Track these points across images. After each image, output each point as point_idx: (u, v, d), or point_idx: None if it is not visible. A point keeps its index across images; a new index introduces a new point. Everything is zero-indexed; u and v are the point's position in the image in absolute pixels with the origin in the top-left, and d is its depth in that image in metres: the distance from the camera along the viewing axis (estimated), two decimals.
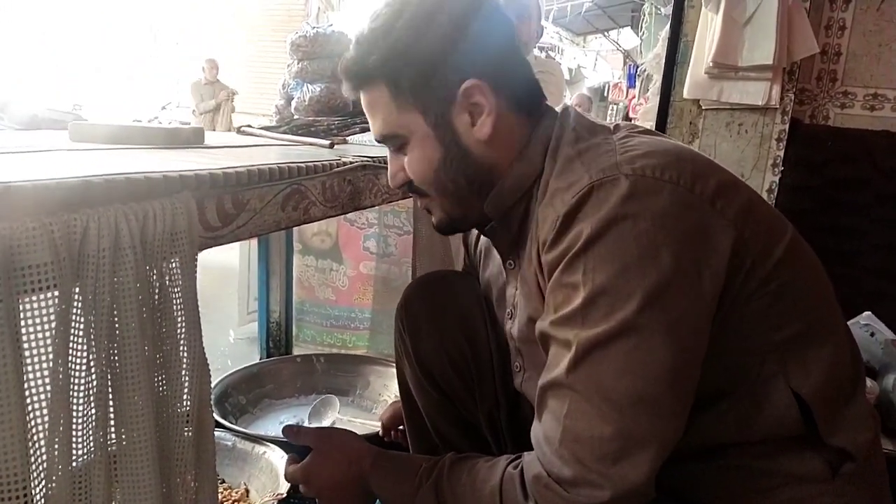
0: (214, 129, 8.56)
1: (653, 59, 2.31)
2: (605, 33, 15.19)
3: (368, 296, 2.49)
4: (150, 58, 11.35)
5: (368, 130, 1.82)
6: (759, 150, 1.86)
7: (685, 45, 1.91)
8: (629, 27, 14.57)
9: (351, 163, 1.08)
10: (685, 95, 1.89)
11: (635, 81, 14.64)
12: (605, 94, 24.49)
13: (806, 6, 1.79)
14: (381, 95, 0.87)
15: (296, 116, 1.99)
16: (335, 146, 1.47)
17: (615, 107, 19.35)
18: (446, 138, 0.87)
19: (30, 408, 0.49)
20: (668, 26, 1.99)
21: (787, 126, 1.84)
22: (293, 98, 1.99)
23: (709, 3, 1.79)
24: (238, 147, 1.31)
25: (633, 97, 14.72)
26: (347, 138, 1.75)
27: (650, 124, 2.31)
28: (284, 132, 1.85)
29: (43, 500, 0.50)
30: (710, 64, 1.80)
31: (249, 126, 1.90)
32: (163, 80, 11.14)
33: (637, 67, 13.28)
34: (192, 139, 1.10)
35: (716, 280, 0.74)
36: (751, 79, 1.81)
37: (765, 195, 1.88)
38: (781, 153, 1.86)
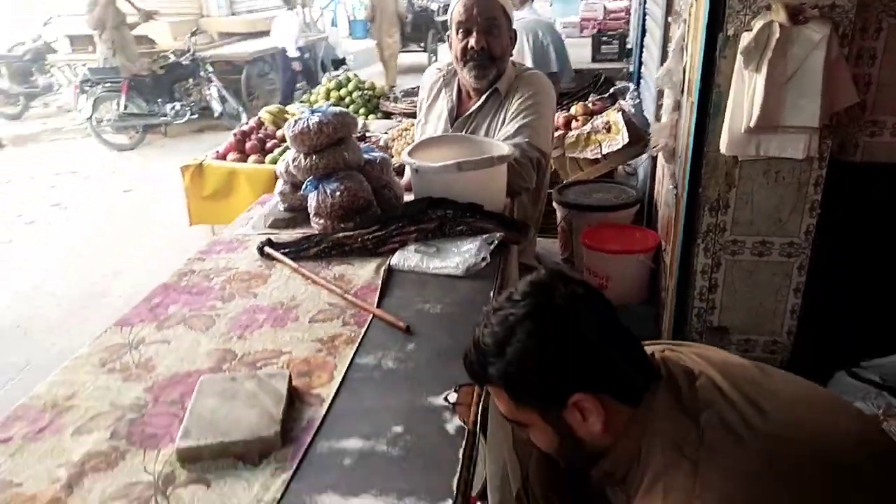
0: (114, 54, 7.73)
1: (665, 74, 2.19)
2: None
3: None
4: None
5: (407, 242, 1.74)
6: (796, 195, 1.86)
7: (718, 96, 1.82)
8: None
9: None
10: (723, 152, 1.83)
11: None
12: None
13: (845, 52, 1.71)
14: (501, 395, 1.04)
15: (316, 220, 1.84)
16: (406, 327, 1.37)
17: None
18: (562, 431, 1.02)
19: None
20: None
21: (824, 171, 1.83)
22: (310, 198, 1.83)
23: (749, 63, 1.69)
24: None
25: None
26: (392, 263, 1.65)
27: (663, 141, 2.25)
28: (315, 254, 1.74)
29: None
30: (752, 126, 1.73)
31: (270, 244, 1.76)
32: None
33: None
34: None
35: None
36: (790, 132, 1.76)
37: (802, 237, 1.91)
38: (819, 197, 1.86)
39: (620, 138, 2.95)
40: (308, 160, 1.82)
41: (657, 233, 2.66)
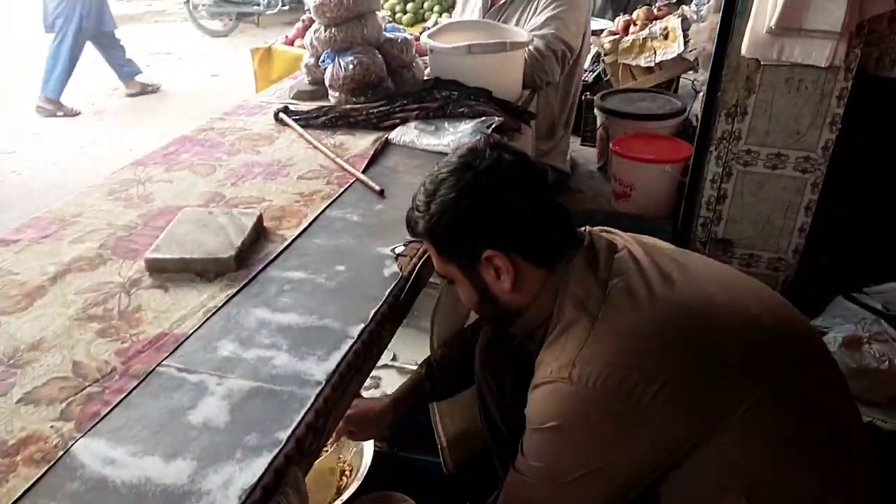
0: None
1: None
2: None
3: None
4: None
5: (409, 119, 1.81)
6: (818, 108, 1.78)
7: None
8: None
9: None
10: (744, 53, 1.76)
11: None
12: None
13: None
14: (431, 249, 1.11)
15: (332, 92, 1.93)
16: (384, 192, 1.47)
17: None
18: (478, 286, 1.09)
19: None
20: None
21: (849, 84, 1.74)
22: (326, 70, 1.92)
23: None
24: None
25: None
26: (390, 137, 1.73)
27: (701, 45, 2.16)
28: (323, 123, 1.83)
29: None
30: (773, 26, 1.66)
31: (286, 111, 1.87)
32: None
33: None
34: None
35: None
36: (815, 37, 1.67)
37: (819, 153, 1.84)
38: (841, 111, 1.78)
39: (676, 46, 2.83)
40: (328, 32, 1.90)
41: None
